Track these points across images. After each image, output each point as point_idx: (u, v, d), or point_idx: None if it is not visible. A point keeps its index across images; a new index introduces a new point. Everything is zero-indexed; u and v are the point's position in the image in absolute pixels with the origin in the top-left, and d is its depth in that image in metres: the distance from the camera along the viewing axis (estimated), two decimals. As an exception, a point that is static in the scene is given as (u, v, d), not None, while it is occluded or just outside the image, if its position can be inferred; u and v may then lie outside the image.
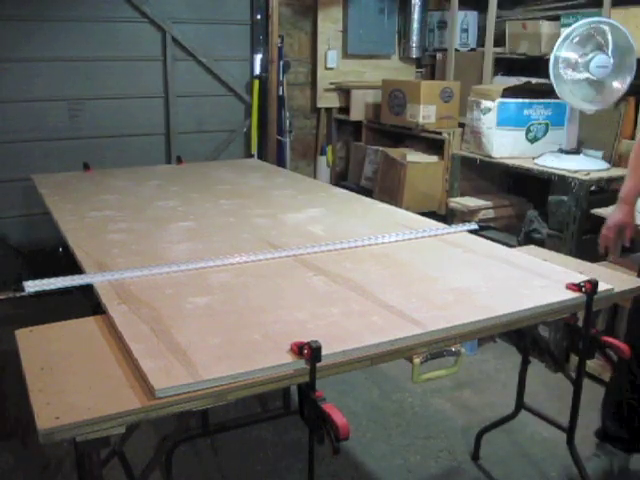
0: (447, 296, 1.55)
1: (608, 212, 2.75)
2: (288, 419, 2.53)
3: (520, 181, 3.62)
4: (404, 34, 4.66)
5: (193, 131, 4.25)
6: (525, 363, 2.15)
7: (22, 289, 1.57)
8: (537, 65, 3.57)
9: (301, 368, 1.22)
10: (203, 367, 1.18)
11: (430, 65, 4.69)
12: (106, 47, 3.88)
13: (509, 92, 3.34)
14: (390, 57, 4.73)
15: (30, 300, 2.98)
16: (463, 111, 3.66)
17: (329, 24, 4.50)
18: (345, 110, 4.60)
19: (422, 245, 1.97)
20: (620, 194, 2.16)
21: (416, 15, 4.53)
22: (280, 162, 4.34)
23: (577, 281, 1.59)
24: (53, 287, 1.58)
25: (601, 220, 2.78)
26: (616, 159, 3.08)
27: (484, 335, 1.54)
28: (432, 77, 4.62)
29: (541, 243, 2.90)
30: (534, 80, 3.44)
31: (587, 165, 2.98)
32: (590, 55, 2.86)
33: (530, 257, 1.89)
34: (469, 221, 2.93)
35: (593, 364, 2.77)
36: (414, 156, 3.90)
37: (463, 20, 4.24)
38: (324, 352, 1.21)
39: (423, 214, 2.39)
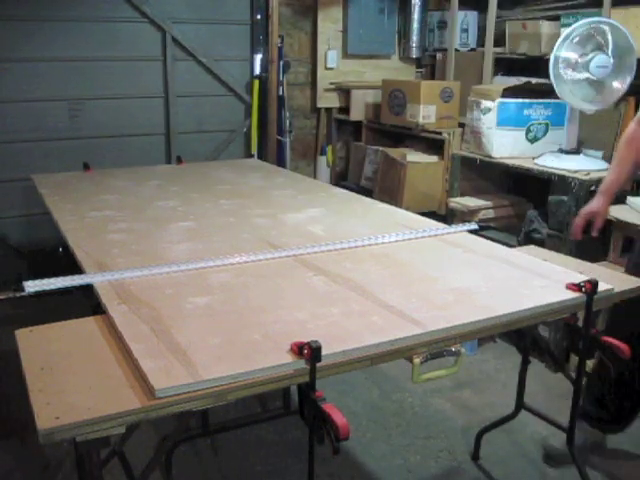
0: (447, 296, 1.55)
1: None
2: (288, 419, 2.53)
3: (520, 181, 3.62)
4: (404, 34, 4.66)
5: (193, 131, 4.25)
6: (525, 363, 2.15)
7: (22, 289, 1.57)
8: (537, 65, 3.57)
9: (301, 368, 1.22)
10: (203, 367, 1.18)
11: (430, 65, 4.70)
12: (106, 47, 3.89)
13: (509, 92, 3.34)
14: (390, 57, 4.73)
15: (30, 300, 2.98)
16: (463, 111, 3.66)
17: (329, 24, 4.50)
18: (345, 110, 4.60)
19: (422, 245, 1.97)
20: (600, 187, 2.19)
21: (416, 15, 4.53)
22: (280, 162, 4.34)
23: (577, 281, 1.60)
24: (53, 287, 1.58)
25: (601, 220, 2.79)
26: (616, 159, 3.08)
27: (484, 335, 1.54)
28: (432, 77, 4.62)
29: (541, 243, 2.90)
30: (534, 80, 3.44)
31: (587, 165, 2.98)
32: (590, 55, 2.86)
33: (530, 257, 1.89)
34: (469, 221, 2.93)
35: (593, 364, 2.77)
36: (414, 156, 3.90)
37: (463, 20, 4.24)
38: (324, 352, 1.21)
39: (423, 214, 2.39)
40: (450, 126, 3.85)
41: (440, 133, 3.81)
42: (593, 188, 2.89)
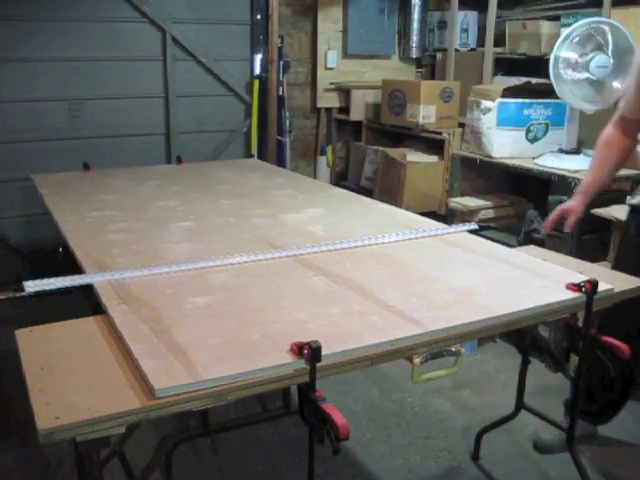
0: (447, 296, 1.55)
1: (608, 212, 2.76)
2: (288, 419, 2.53)
3: (520, 181, 3.62)
4: (404, 34, 4.67)
5: (193, 131, 4.25)
6: (525, 363, 2.15)
7: (22, 289, 1.57)
8: (537, 65, 3.57)
9: (301, 368, 1.22)
10: (203, 367, 1.18)
11: (430, 65, 4.70)
12: (106, 47, 3.89)
13: (509, 92, 3.34)
14: (390, 57, 4.74)
15: (30, 300, 2.98)
16: (463, 111, 3.66)
17: (329, 24, 4.50)
18: (345, 110, 4.60)
19: (422, 245, 1.97)
20: (578, 188, 2.21)
21: (416, 15, 4.53)
22: (280, 162, 4.34)
23: (577, 281, 1.59)
24: (53, 287, 1.58)
25: (601, 220, 2.79)
26: (616, 159, 3.08)
27: (484, 335, 1.54)
28: (432, 77, 4.62)
29: (541, 243, 2.90)
30: (534, 80, 3.44)
31: (587, 165, 2.96)
32: (590, 55, 2.86)
33: (530, 257, 1.89)
34: (469, 221, 2.93)
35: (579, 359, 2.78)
36: (414, 156, 3.90)
37: (463, 20, 4.24)
38: (324, 352, 1.21)
39: (423, 214, 2.39)
40: (450, 126, 3.85)
41: (440, 133, 3.82)
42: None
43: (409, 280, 1.66)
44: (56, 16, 3.72)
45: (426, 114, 3.83)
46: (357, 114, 4.48)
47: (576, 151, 3.10)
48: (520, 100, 3.30)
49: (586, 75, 2.89)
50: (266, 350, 1.25)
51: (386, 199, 3.36)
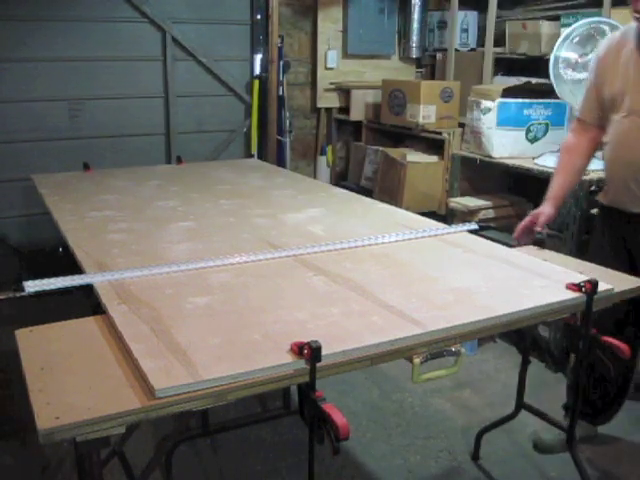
0: (447, 296, 1.55)
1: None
2: (288, 419, 2.53)
3: (520, 181, 3.62)
4: (404, 34, 4.67)
5: (193, 131, 4.25)
6: (525, 363, 2.15)
7: (22, 289, 1.57)
8: (537, 65, 3.57)
9: (301, 368, 1.22)
10: (203, 367, 1.18)
11: (430, 65, 4.70)
12: (106, 47, 3.89)
13: (509, 92, 3.34)
14: (390, 57, 4.74)
15: (30, 300, 2.97)
16: (463, 111, 3.66)
17: (329, 24, 4.50)
18: (345, 110, 4.60)
19: (422, 245, 1.97)
20: (547, 194, 2.23)
21: (416, 15, 4.53)
22: (280, 162, 4.34)
23: (577, 281, 1.59)
24: (53, 287, 1.58)
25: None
26: (616, 159, 3.08)
27: (484, 335, 1.54)
28: (432, 77, 4.62)
29: (541, 243, 2.90)
30: (534, 80, 3.44)
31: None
32: (590, 55, 2.86)
33: (530, 257, 1.89)
34: (469, 221, 2.92)
35: (574, 360, 2.78)
36: (414, 156, 3.90)
37: (463, 20, 4.24)
38: (324, 352, 1.21)
39: (423, 214, 2.39)
40: (450, 126, 3.85)
41: (440, 133, 3.81)
42: (593, 188, 2.89)
43: (409, 280, 1.66)
44: (56, 16, 3.72)
45: (426, 114, 3.83)
46: (357, 114, 4.48)
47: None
48: (520, 100, 3.30)
49: (586, 75, 2.88)
50: (266, 350, 1.25)
51: (386, 199, 3.36)
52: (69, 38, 3.78)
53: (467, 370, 3.00)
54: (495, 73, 3.95)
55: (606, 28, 2.83)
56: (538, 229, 2.15)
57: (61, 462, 2.25)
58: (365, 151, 4.39)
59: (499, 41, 3.91)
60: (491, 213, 3.50)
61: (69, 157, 3.81)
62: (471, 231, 2.14)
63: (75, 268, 1.71)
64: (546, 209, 2.18)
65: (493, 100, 3.28)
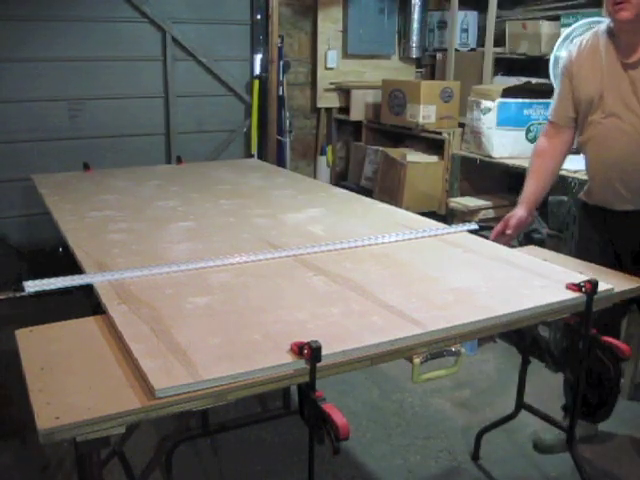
0: (447, 296, 1.55)
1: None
2: (288, 419, 2.52)
3: (520, 181, 3.60)
4: (404, 34, 4.67)
5: (193, 131, 4.25)
6: (525, 363, 2.15)
7: (22, 289, 1.57)
8: (537, 65, 3.57)
9: (301, 368, 1.22)
10: (203, 367, 1.18)
11: (430, 65, 4.70)
12: (106, 47, 3.89)
13: (509, 92, 3.34)
14: (390, 57, 4.74)
15: (30, 300, 2.98)
16: (463, 111, 3.66)
17: (329, 24, 4.50)
18: (345, 110, 4.60)
19: (422, 245, 1.97)
20: (520, 199, 2.23)
21: (416, 15, 4.53)
22: (280, 162, 4.34)
23: (577, 281, 1.59)
24: (53, 287, 1.58)
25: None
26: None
27: (484, 335, 1.54)
28: (432, 77, 4.62)
29: (541, 243, 2.90)
30: (534, 80, 3.44)
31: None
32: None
33: (530, 257, 1.89)
34: (469, 221, 2.92)
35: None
36: (414, 156, 3.90)
37: (463, 20, 4.24)
38: (324, 352, 1.21)
39: (423, 214, 2.39)
40: (450, 126, 3.85)
41: (440, 133, 3.81)
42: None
43: (409, 280, 1.66)
44: (56, 16, 3.72)
45: (426, 114, 3.83)
46: (357, 114, 4.48)
47: (576, 151, 3.09)
48: (520, 100, 3.30)
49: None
50: (266, 350, 1.25)
51: (386, 199, 3.36)
52: (69, 38, 3.78)
53: (467, 370, 3.00)
54: (495, 73, 3.95)
55: (606, 28, 2.82)
56: (509, 232, 2.16)
57: (61, 462, 2.25)
58: (365, 151, 4.39)
59: (499, 41, 3.91)
60: (491, 213, 3.51)
61: (69, 157, 3.81)
62: (471, 231, 2.14)
63: (75, 268, 1.72)
64: (518, 212, 2.19)
65: (493, 100, 3.28)
